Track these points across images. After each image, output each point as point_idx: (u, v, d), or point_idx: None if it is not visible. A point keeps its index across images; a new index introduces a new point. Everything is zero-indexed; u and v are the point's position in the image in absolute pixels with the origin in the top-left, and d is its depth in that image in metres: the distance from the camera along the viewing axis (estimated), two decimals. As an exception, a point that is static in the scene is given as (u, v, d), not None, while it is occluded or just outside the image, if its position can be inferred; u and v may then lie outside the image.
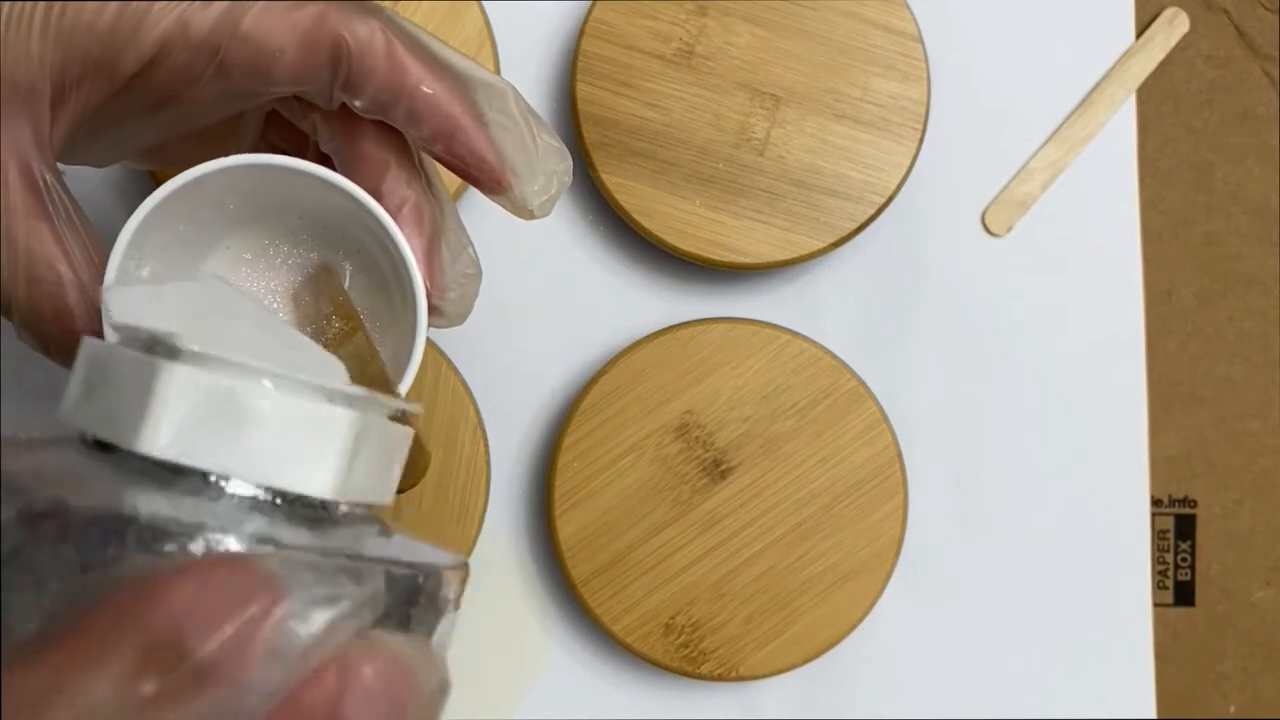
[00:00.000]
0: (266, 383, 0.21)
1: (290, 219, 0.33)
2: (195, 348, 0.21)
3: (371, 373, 0.30)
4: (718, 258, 0.46)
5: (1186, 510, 0.50)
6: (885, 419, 0.46)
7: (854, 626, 0.46)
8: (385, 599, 0.20)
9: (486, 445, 0.45)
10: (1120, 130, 0.50)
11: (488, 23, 0.46)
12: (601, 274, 0.49)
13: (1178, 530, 0.50)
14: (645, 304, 0.49)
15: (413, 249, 0.30)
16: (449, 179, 0.45)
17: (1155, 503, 0.50)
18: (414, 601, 0.21)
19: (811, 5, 0.46)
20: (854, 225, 0.46)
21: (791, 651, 0.45)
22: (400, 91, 0.29)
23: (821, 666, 0.47)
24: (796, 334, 0.46)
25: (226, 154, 0.33)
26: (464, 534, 0.44)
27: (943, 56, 0.49)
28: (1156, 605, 0.50)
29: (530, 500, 0.48)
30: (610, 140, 0.46)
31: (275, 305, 0.33)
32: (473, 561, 0.45)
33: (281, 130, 0.33)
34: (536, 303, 0.48)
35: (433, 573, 0.22)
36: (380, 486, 0.23)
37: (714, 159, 0.46)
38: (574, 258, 0.49)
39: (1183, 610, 0.50)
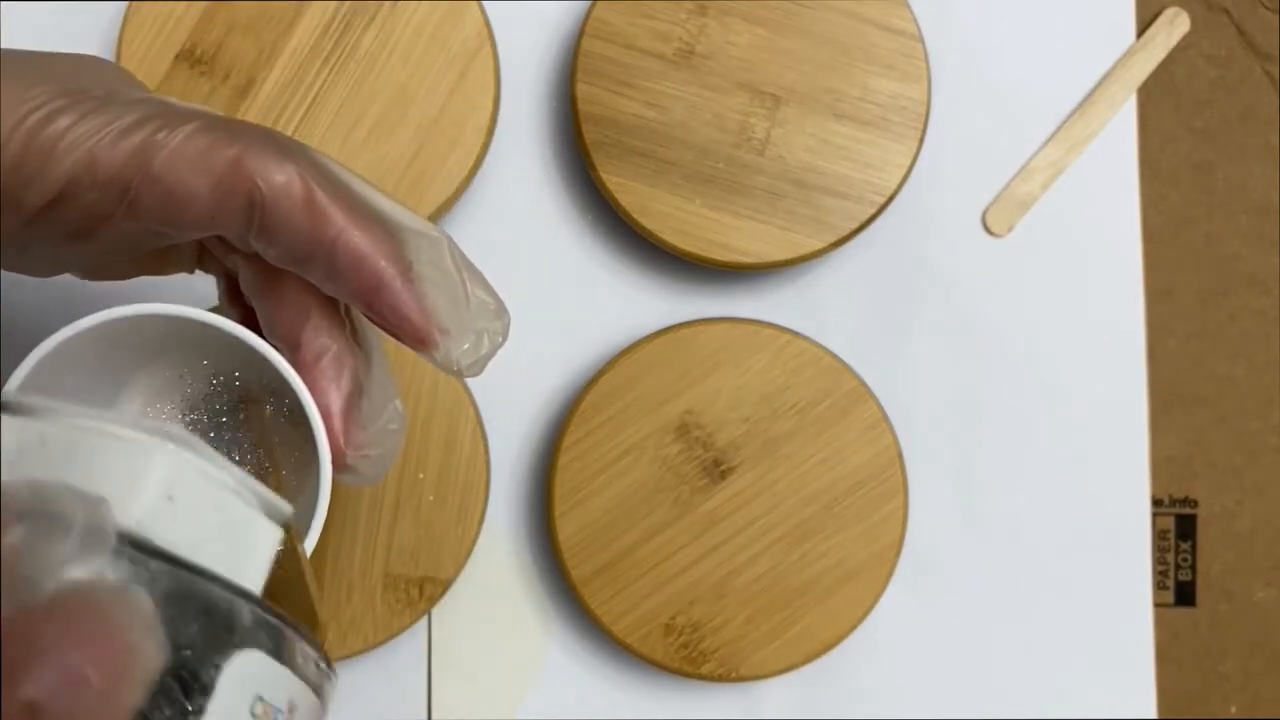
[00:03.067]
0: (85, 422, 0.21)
1: (203, 359, 0.31)
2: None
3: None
4: (718, 257, 0.46)
5: (1187, 510, 0.50)
6: (885, 419, 0.46)
7: (854, 627, 0.45)
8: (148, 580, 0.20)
9: (486, 445, 0.45)
10: (1121, 130, 0.50)
11: (488, 23, 0.46)
12: (601, 274, 0.49)
13: (1178, 530, 0.50)
14: (645, 304, 0.49)
15: (328, 405, 0.29)
16: (455, 166, 0.45)
17: (1156, 503, 0.50)
18: (189, 614, 0.20)
19: (811, 5, 0.46)
20: (854, 225, 0.46)
21: (792, 652, 0.45)
22: (320, 243, 0.28)
23: (822, 667, 0.47)
24: (797, 334, 0.46)
25: (165, 269, 0.32)
26: (464, 534, 0.44)
27: (943, 56, 0.49)
28: (1157, 605, 0.50)
29: (530, 500, 0.48)
30: (610, 140, 0.46)
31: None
32: (473, 561, 0.45)
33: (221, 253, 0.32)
34: (536, 303, 0.48)
35: (225, 601, 0.21)
36: (197, 541, 0.22)
37: (714, 159, 0.46)
38: (574, 258, 0.49)
39: (1183, 610, 0.50)
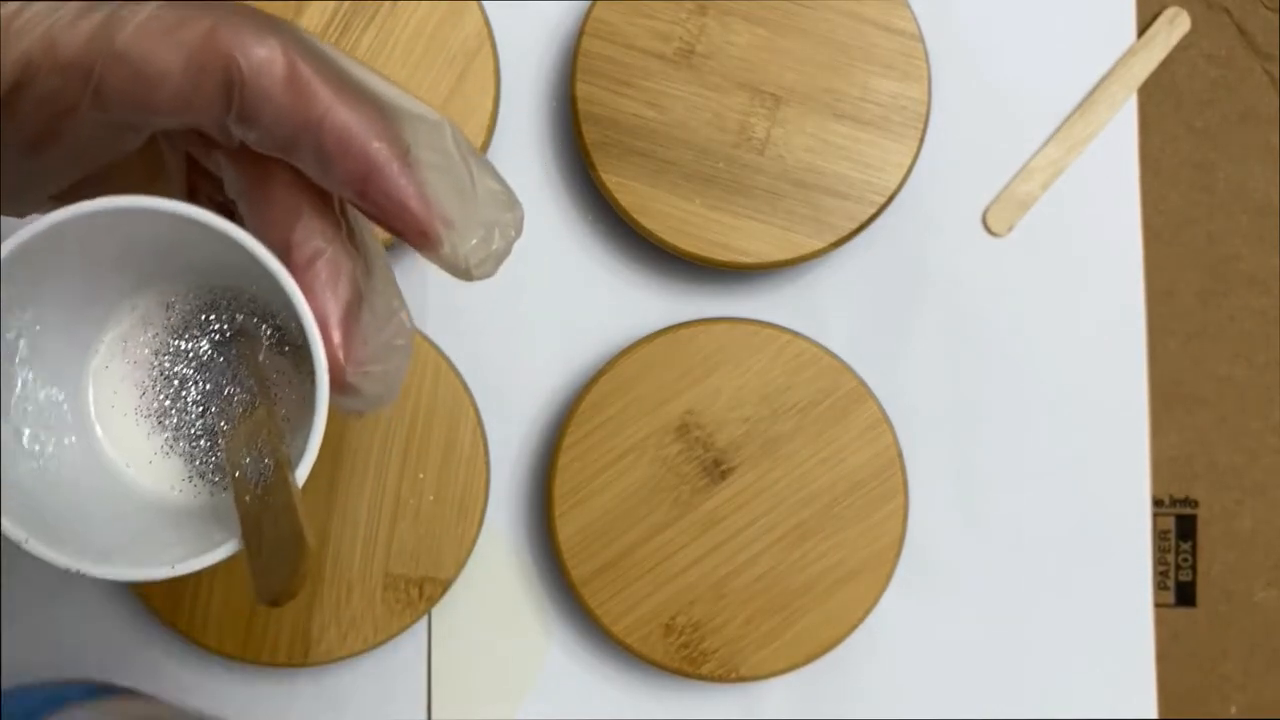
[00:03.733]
0: None
1: (191, 274, 0.30)
2: None
3: (265, 446, 0.26)
4: (718, 257, 0.46)
5: (1188, 510, 0.50)
6: (885, 419, 0.46)
7: (854, 627, 0.45)
8: None
9: (486, 445, 0.45)
10: (1121, 130, 0.50)
11: (488, 23, 0.46)
12: (601, 274, 0.49)
13: (1179, 530, 0.50)
14: (645, 304, 0.49)
15: (325, 314, 0.26)
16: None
17: (1156, 503, 0.50)
18: None
19: (811, 5, 0.46)
20: (854, 225, 0.46)
21: (792, 652, 0.45)
22: (305, 124, 0.25)
23: (822, 667, 0.47)
24: (797, 334, 0.46)
25: (151, 193, 0.29)
26: (464, 534, 0.44)
27: (943, 56, 0.49)
28: (1158, 606, 0.50)
29: (530, 500, 0.48)
30: (610, 140, 0.46)
31: (186, 371, 0.30)
32: (473, 561, 0.45)
33: (212, 177, 0.29)
34: (536, 302, 0.48)
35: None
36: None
37: (714, 159, 0.46)
38: (574, 258, 0.49)
39: (1184, 611, 0.50)
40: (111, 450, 0.30)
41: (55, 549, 0.25)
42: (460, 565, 0.44)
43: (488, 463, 0.45)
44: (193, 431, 0.30)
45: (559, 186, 0.49)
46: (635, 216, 0.46)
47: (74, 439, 0.29)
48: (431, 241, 0.26)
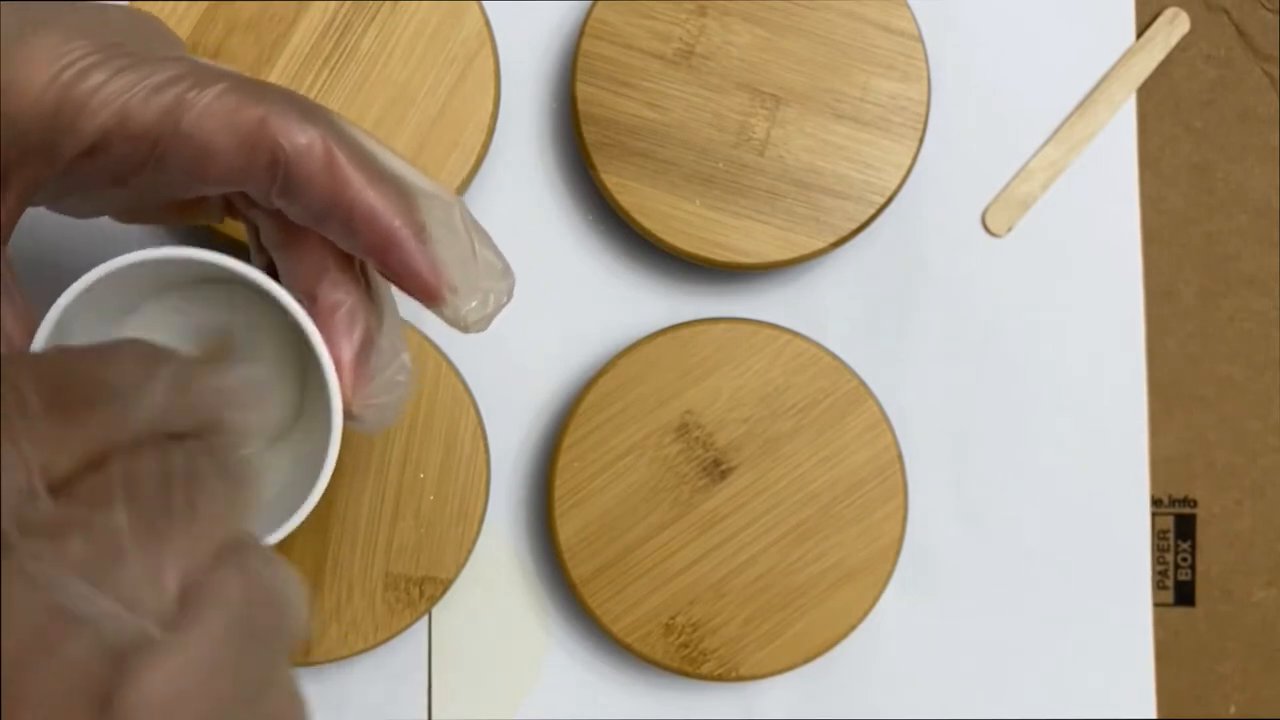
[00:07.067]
0: None
1: (214, 290, 0.33)
2: None
3: None
4: (718, 258, 0.46)
5: (1187, 510, 0.50)
6: (885, 419, 0.46)
7: (854, 627, 0.46)
8: None
9: (486, 445, 0.45)
10: (1121, 130, 0.50)
11: (488, 23, 0.46)
12: (601, 274, 0.49)
13: (1178, 530, 0.50)
14: (645, 304, 0.49)
15: (340, 356, 0.30)
16: (455, 167, 0.45)
17: (1155, 503, 0.50)
18: None
19: (811, 5, 0.46)
20: (854, 225, 0.46)
21: (791, 652, 0.45)
22: (337, 203, 0.29)
23: (821, 667, 0.47)
24: (796, 334, 0.46)
25: (196, 217, 0.34)
26: (464, 534, 0.44)
27: (943, 56, 0.49)
28: (1157, 605, 0.50)
29: (530, 500, 0.48)
30: (610, 140, 0.46)
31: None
32: (473, 561, 0.45)
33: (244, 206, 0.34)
34: (536, 303, 0.48)
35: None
36: None
37: (714, 159, 0.46)
38: (574, 258, 0.49)
39: (1183, 610, 0.50)
40: None
41: None
42: (460, 565, 0.44)
43: (488, 463, 0.45)
44: None
45: (559, 186, 0.49)
46: (635, 216, 0.46)
47: None
48: (438, 303, 0.31)
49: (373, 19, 0.45)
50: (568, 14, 0.49)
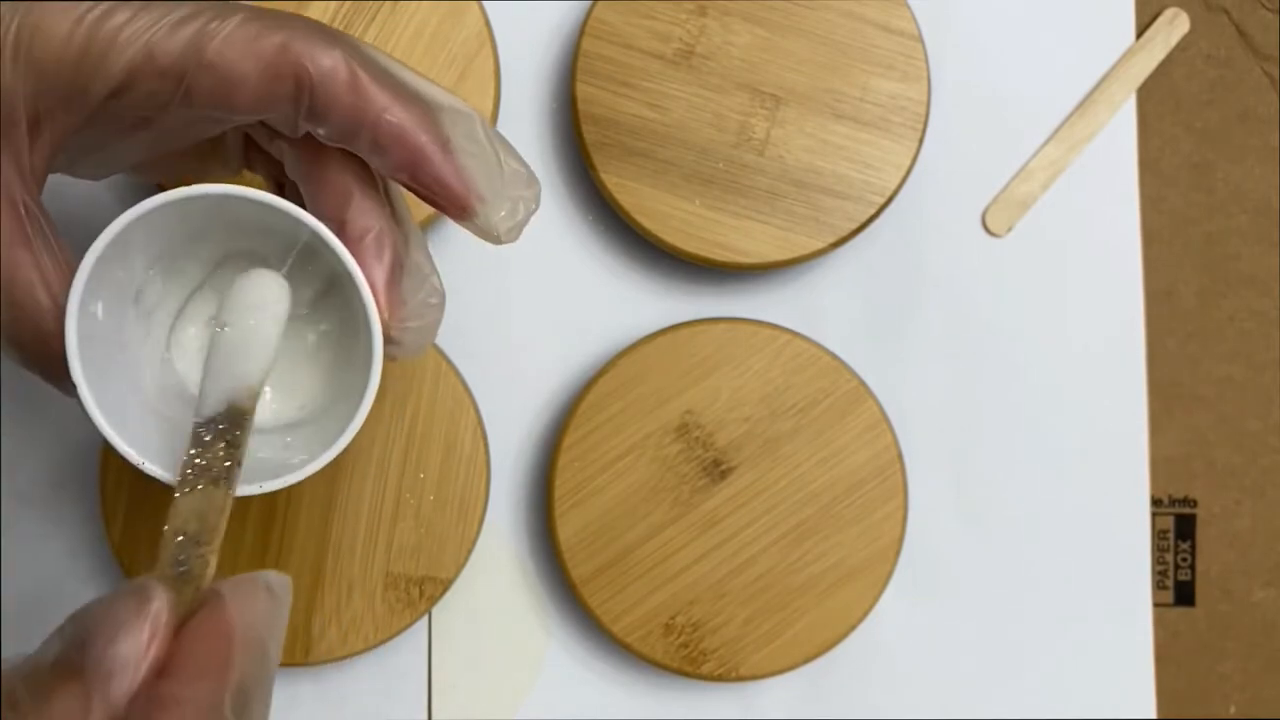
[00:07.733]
0: None
1: (245, 241, 0.33)
2: None
3: (202, 536, 0.30)
4: (718, 258, 0.46)
5: (1186, 510, 0.50)
6: (885, 419, 0.46)
7: (854, 627, 0.46)
8: None
9: (486, 445, 0.45)
10: (1120, 130, 0.50)
11: (488, 23, 0.46)
12: (601, 274, 0.49)
13: (1178, 530, 0.50)
14: (645, 304, 0.49)
15: (373, 280, 0.31)
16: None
17: (1155, 503, 0.50)
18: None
19: (811, 5, 0.46)
20: (854, 225, 0.46)
21: (791, 652, 0.45)
22: (364, 121, 0.30)
23: (821, 667, 0.47)
24: (796, 334, 0.46)
25: (211, 170, 0.34)
26: (464, 534, 0.44)
27: (943, 56, 0.49)
28: (1156, 605, 0.50)
29: (530, 500, 0.48)
30: (610, 140, 0.46)
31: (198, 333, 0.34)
32: (473, 561, 0.45)
33: (263, 151, 0.34)
34: (536, 303, 0.48)
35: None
36: None
37: (714, 159, 0.46)
38: (574, 258, 0.49)
39: (1183, 610, 0.50)
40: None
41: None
42: (460, 565, 0.45)
43: (488, 463, 0.45)
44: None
45: (559, 186, 0.49)
46: (635, 216, 0.46)
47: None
48: (468, 214, 0.31)
49: (372, 19, 0.45)
50: (568, 14, 0.49)
